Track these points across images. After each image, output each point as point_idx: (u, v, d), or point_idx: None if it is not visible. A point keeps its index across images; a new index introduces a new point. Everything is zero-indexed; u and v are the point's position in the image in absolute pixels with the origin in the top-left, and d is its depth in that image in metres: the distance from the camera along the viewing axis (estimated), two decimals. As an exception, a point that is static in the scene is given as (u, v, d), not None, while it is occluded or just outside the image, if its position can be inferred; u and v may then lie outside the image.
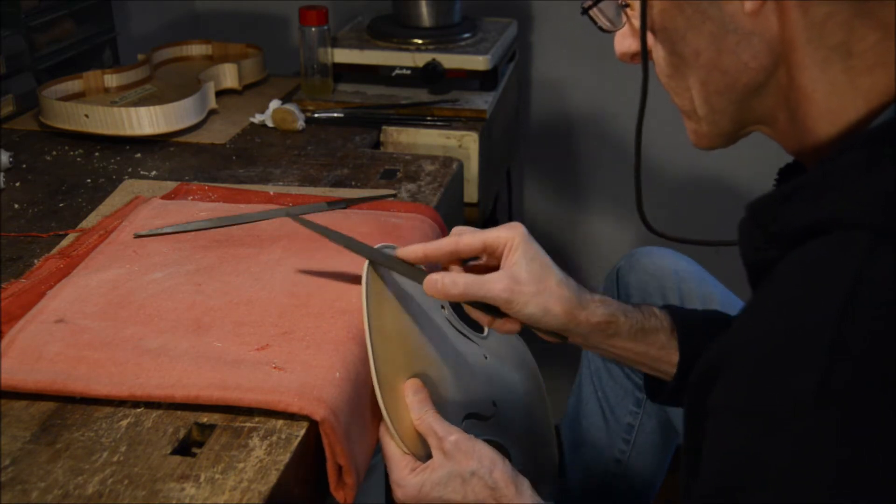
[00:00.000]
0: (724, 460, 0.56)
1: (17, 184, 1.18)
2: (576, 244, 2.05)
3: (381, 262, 0.84)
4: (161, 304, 0.86)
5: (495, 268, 0.84)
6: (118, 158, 1.26)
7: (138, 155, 1.27)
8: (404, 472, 0.80)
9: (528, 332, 0.88)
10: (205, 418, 0.73)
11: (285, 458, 0.69)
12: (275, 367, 0.76)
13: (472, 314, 0.86)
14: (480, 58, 1.49)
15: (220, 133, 1.36)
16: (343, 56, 1.52)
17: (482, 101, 1.46)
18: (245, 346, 0.80)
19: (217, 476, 0.68)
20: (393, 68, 1.51)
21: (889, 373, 0.50)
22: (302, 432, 0.72)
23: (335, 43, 1.54)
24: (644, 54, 0.70)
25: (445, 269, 0.86)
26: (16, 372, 0.76)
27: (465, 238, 0.84)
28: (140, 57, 1.57)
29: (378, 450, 0.83)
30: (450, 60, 1.49)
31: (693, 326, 0.88)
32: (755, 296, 0.61)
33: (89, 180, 1.19)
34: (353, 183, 1.18)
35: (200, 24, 2.02)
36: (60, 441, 0.71)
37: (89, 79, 1.45)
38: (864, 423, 0.50)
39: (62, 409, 0.75)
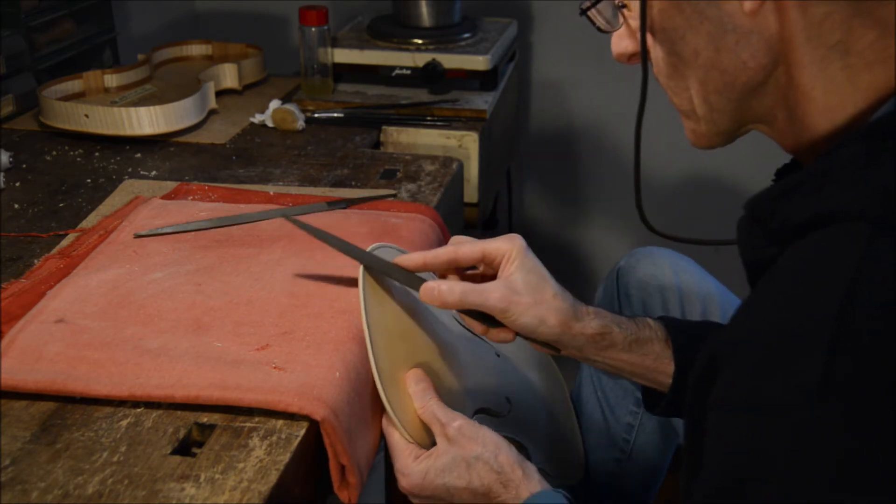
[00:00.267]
0: (727, 454, 0.56)
1: (17, 184, 1.18)
2: (576, 244, 2.06)
3: (379, 269, 0.84)
4: (161, 304, 0.86)
5: (492, 278, 0.84)
6: (118, 158, 1.26)
7: (138, 155, 1.27)
8: (408, 461, 0.80)
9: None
10: (205, 418, 0.74)
11: (285, 458, 0.69)
12: (275, 367, 0.76)
13: (466, 322, 0.86)
14: (480, 58, 1.49)
15: (220, 133, 1.36)
16: (343, 56, 1.52)
17: (482, 101, 1.46)
18: (245, 346, 0.80)
19: (217, 476, 0.68)
20: (393, 68, 1.51)
21: (891, 364, 0.50)
22: (302, 432, 0.72)
23: (335, 43, 1.54)
24: (644, 55, 0.70)
25: (443, 277, 0.86)
26: (16, 372, 0.76)
27: (464, 248, 0.84)
28: (140, 57, 1.57)
29: (381, 448, 0.83)
30: (450, 60, 1.49)
31: (687, 336, 0.89)
32: (755, 290, 0.61)
33: (89, 180, 1.19)
34: (353, 183, 1.18)
35: (200, 24, 2.02)
36: (60, 441, 0.71)
37: (89, 79, 1.45)
38: (867, 414, 0.50)
39: (62, 409, 0.75)
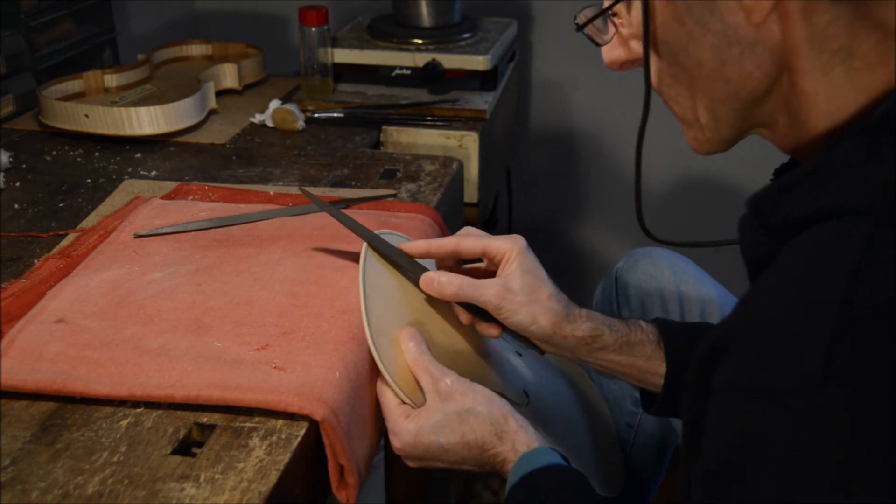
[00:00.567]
0: (727, 438, 0.56)
1: (17, 184, 1.18)
2: (575, 244, 2.06)
3: (384, 251, 0.87)
4: (161, 304, 0.86)
5: (492, 274, 0.86)
6: (118, 158, 1.26)
7: (138, 155, 1.27)
8: (399, 419, 0.80)
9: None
10: (205, 418, 0.74)
11: (285, 458, 0.70)
12: (275, 367, 0.76)
13: (456, 311, 0.88)
14: (480, 58, 1.49)
15: (220, 133, 1.36)
16: (343, 56, 1.52)
17: (482, 101, 1.46)
18: (245, 346, 0.80)
19: (217, 476, 0.68)
20: (393, 68, 1.51)
21: (892, 352, 0.50)
22: (302, 432, 0.72)
23: (335, 43, 1.54)
24: (646, 67, 0.70)
25: (442, 266, 0.88)
26: (16, 372, 0.76)
27: (467, 241, 0.86)
28: (140, 57, 1.57)
29: (381, 448, 0.83)
30: (450, 60, 1.49)
31: (680, 337, 0.90)
32: (757, 282, 0.61)
33: (89, 180, 1.19)
34: (353, 183, 1.18)
35: (200, 24, 2.02)
36: (60, 441, 0.71)
37: (89, 79, 1.45)
38: (869, 400, 0.50)
39: (62, 409, 0.75)
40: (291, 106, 1.37)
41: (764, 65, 0.63)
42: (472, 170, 1.39)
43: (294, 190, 1.15)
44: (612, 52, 0.73)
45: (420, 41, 1.54)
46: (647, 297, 1.10)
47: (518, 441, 0.79)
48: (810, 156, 0.64)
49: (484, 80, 1.51)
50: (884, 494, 0.49)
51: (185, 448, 0.71)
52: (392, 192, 1.14)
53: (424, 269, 0.87)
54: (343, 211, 1.06)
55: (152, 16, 1.85)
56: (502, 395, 0.90)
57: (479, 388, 0.82)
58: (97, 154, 1.27)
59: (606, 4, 0.72)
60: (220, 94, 1.49)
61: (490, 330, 0.87)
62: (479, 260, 0.90)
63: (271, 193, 1.13)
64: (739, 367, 0.56)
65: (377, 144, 1.40)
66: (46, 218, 1.08)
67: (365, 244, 0.86)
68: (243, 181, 1.19)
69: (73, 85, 1.43)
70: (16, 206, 1.11)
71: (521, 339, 0.87)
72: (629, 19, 0.70)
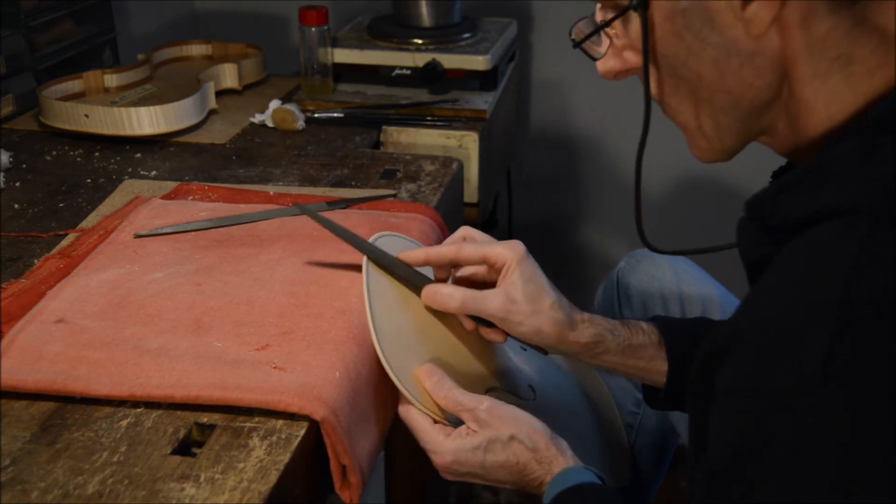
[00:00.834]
0: (730, 439, 0.56)
1: (17, 184, 1.18)
2: (575, 245, 2.06)
3: (383, 264, 0.86)
4: (161, 304, 0.86)
5: (492, 280, 0.86)
6: (118, 158, 1.26)
7: (138, 155, 1.27)
8: (439, 438, 0.81)
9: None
10: (205, 418, 0.74)
11: (285, 458, 0.69)
12: (275, 367, 0.76)
13: (460, 318, 0.88)
14: (480, 58, 1.49)
15: (220, 133, 1.36)
16: (343, 56, 1.52)
17: (482, 101, 1.46)
18: (245, 346, 0.80)
19: (217, 476, 0.68)
20: (393, 68, 1.51)
21: (891, 350, 0.50)
22: (302, 432, 0.72)
23: (335, 43, 1.54)
24: (646, 85, 0.70)
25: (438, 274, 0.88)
26: (16, 372, 0.76)
27: (466, 250, 0.86)
28: (140, 57, 1.57)
29: (381, 448, 0.83)
30: (450, 60, 1.49)
31: (680, 335, 0.90)
32: (757, 283, 0.61)
33: (89, 180, 1.19)
34: (353, 183, 1.18)
35: (200, 24, 2.02)
36: (60, 441, 0.71)
37: (89, 79, 1.45)
38: (868, 400, 0.50)
39: (62, 409, 0.75)
40: (291, 106, 1.37)
41: (764, 75, 0.63)
42: (472, 170, 1.39)
43: (294, 190, 1.15)
44: (606, 63, 0.74)
45: (420, 41, 1.54)
46: (648, 297, 1.10)
47: (555, 464, 0.80)
48: (808, 158, 0.64)
49: (484, 80, 1.51)
50: (884, 494, 0.50)
51: (185, 448, 0.71)
52: (392, 192, 1.14)
53: (425, 278, 0.87)
54: (343, 211, 1.07)
55: (152, 16, 1.85)
56: (508, 391, 0.90)
57: (518, 412, 0.82)
58: (97, 154, 1.27)
59: (599, 15, 0.72)
60: (220, 94, 1.49)
61: (494, 336, 0.87)
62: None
63: (271, 193, 1.13)
64: (740, 368, 0.57)
65: (377, 144, 1.40)
66: (46, 218, 1.08)
67: (365, 258, 0.86)
68: (243, 181, 1.19)
69: (73, 85, 1.43)
70: (16, 206, 1.11)
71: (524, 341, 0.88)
72: (623, 30, 0.70)
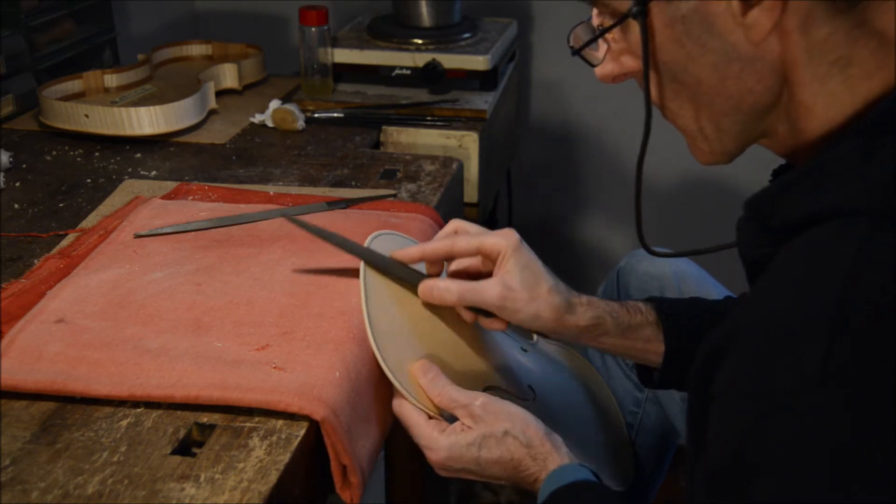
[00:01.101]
0: (729, 440, 0.56)
1: (17, 184, 1.18)
2: (575, 244, 2.06)
3: (378, 265, 0.86)
4: (161, 304, 0.86)
5: (488, 271, 0.87)
6: (118, 158, 1.26)
7: (138, 155, 1.27)
8: (434, 433, 0.81)
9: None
10: (205, 418, 0.74)
11: (285, 458, 0.70)
12: (275, 367, 0.76)
13: (459, 311, 0.88)
14: (480, 58, 1.49)
15: (220, 133, 1.36)
16: (343, 56, 1.52)
17: (482, 101, 1.46)
18: (245, 346, 0.80)
19: (217, 476, 0.68)
20: (393, 68, 1.51)
21: (889, 350, 0.50)
22: (302, 432, 0.72)
23: (335, 43, 1.54)
24: (647, 90, 0.70)
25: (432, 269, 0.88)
26: (16, 372, 0.76)
27: (461, 243, 0.86)
28: (140, 57, 1.57)
29: (381, 448, 0.83)
30: (450, 60, 1.49)
31: (677, 316, 0.91)
32: (756, 284, 0.61)
33: (89, 180, 1.19)
34: (353, 183, 1.18)
35: (200, 24, 2.02)
36: (60, 441, 0.71)
37: (89, 79, 1.45)
38: (867, 399, 0.51)
39: (62, 409, 0.75)
40: (291, 106, 1.37)
41: (764, 79, 0.63)
42: (472, 170, 1.39)
43: (294, 190, 1.15)
44: (604, 67, 0.74)
45: (420, 41, 1.54)
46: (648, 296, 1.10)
47: (550, 461, 0.80)
48: (807, 159, 0.64)
49: (484, 80, 1.51)
50: (883, 493, 0.50)
51: (185, 448, 0.71)
52: (392, 192, 1.14)
53: (421, 275, 0.87)
54: (343, 211, 1.07)
55: (152, 16, 1.85)
56: (507, 390, 0.90)
57: (513, 407, 0.82)
58: (97, 154, 1.27)
59: (596, 20, 0.72)
60: (220, 94, 1.49)
61: (495, 325, 0.87)
62: None
63: (271, 193, 1.13)
64: (739, 369, 0.57)
65: (377, 144, 1.40)
66: (46, 218, 1.08)
67: (362, 263, 0.85)
68: (243, 181, 1.19)
69: (73, 85, 1.43)
70: (16, 206, 1.11)
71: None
72: (621, 35, 0.70)
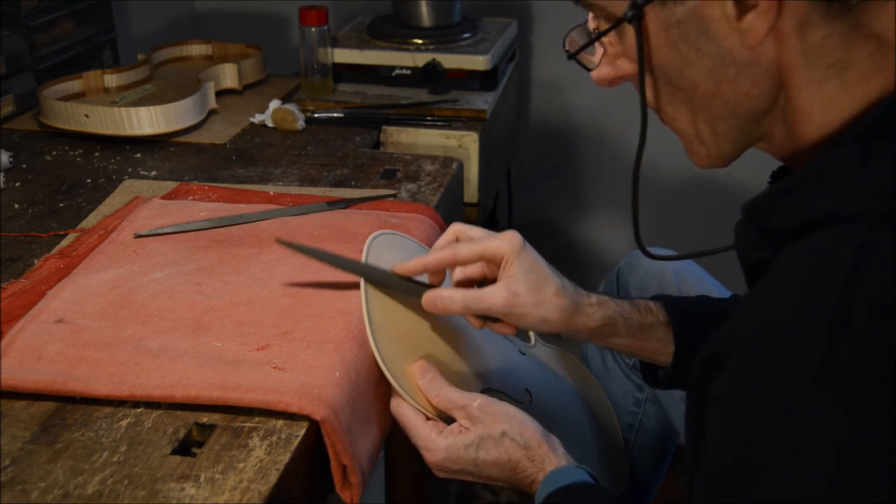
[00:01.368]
0: (728, 445, 0.56)
1: (17, 184, 1.18)
2: (576, 244, 2.06)
3: (378, 282, 0.85)
4: (161, 304, 0.86)
5: (494, 276, 0.86)
6: (118, 158, 1.26)
7: (138, 155, 1.27)
8: (432, 435, 0.81)
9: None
10: (205, 418, 0.74)
11: (285, 458, 0.70)
12: (275, 367, 0.76)
13: (467, 319, 0.87)
14: (480, 58, 1.49)
15: (220, 133, 1.36)
16: (343, 56, 1.52)
17: (482, 101, 1.46)
18: (245, 346, 0.80)
19: (217, 476, 0.68)
20: (393, 68, 1.51)
21: (888, 355, 0.50)
22: (302, 432, 0.72)
23: (335, 43, 1.54)
24: (642, 94, 0.70)
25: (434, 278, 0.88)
26: (16, 372, 0.76)
27: (463, 250, 0.84)
28: (140, 57, 1.57)
29: (381, 448, 0.83)
30: (450, 60, 1.49)
31: (687, 317, 0.91)
32: (754, 288, 0.61)
33: (89, 180, 1.19)
34: (353, 183, 1.18)
35: (200, 24, 2.02)
36: (60, 441, 0.71)
37: (89, 79, 1.45)
38: (865, 404, 0.51)
39: (62, 409, 0.75)
40: (291, 106, 1.37)
41: (761, 83, 0.63)
42: (472, 170, 1.39)
43: (294, 190, 1.15)
44: (600, 70, 0.74)
45: (420, 41, 1.54)
46: (648, 296, 1.10)
47: (547, 462, 0.80)
48: (805, 163, 0.64)
49: (484, 80, 1.51)
50: (883, 495, 0.50)
51: (185, 448, 0.71)
52: (392, 192, 1.14)
53: (424, 286, 0.85)
54: (343, 211, 1.07)
55: (152, 16, 1.85)
56: (504, 393, 0.90)
57: (510, 408, 0.82)
58: (97, 154, 1.27)
59: (591, 24, 0.72)
60: (220, 94, 1.49)
61: (504, 329, 0.86)
62: None
63: (271, 193, 1.13)
64: (738, 374, 0.57)
65: (377, 144, 1.40)
66: (46, 218, 1.08)
67: (362, 280, 0.84)
68: (243, 181, 1.19)
69: (73, 85, 1.43)
70: (16, 206, 1.11)
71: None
72: (617, 39, 0.70)
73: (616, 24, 0.68)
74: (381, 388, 0.83)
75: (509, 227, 1.94)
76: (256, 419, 0.73)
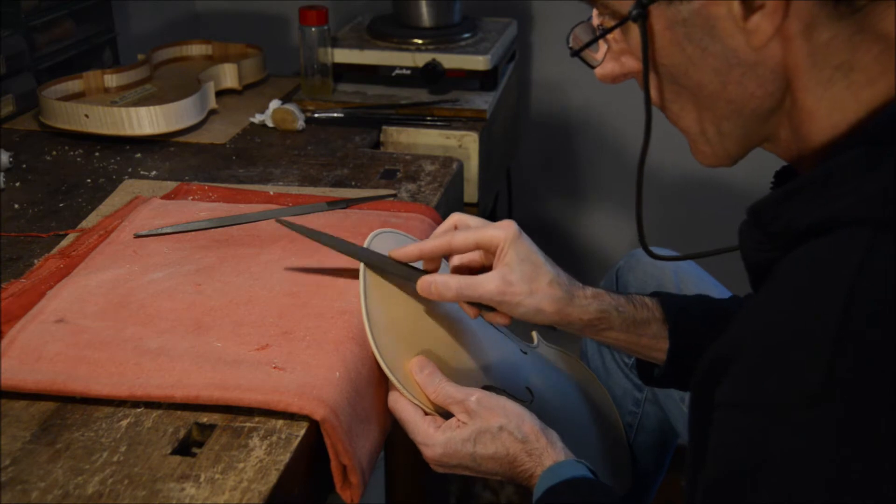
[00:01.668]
0: (729, 451, 0.56)
1: (17, 184, 1.18)
2: (576, 244, 2.06)
3: (375, 264, 0.86)
4: (161, 304, 0.86)
5: (490, 265, 0.86)
6: (118, 158, 1.26)
7: (138, 155, 1.27)
8: (430, 430, 0.81)
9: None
10: (205, 418, 0.74)
11: (285, 458, 0.70)
12: (275, 367, 0.76)
13: (462, 307, 0.88)
14: (480, 58, 1.49)
15: (220, 133, 1.36)
16: (343, 56, 1.52)
17: (482, 101, 1.46)
18: (245, 346, 0.80)
19: (217, 476, 0.68)
20: (393, 68, 1.51)
21: (892, 365, 0.50)
22: (302, 432, 0.72)
23: (335, 43, 1.54)
24: (647, 93, 0.70)
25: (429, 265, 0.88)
26: (16, 372, 0.76)
27: (459, 238, 0.85)
28: (140, 57, 1.57)
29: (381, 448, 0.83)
30: (450, 60, 1.49)
31: (683, 314, 0.90)
32: (759, 293, 0.61)
33: (89, 180, 1.19)
34: (353, 183, 1.18)
35: (200, 24, 2.02)
36: (60, 441, 0.71)
37: (89, 79, 1.45)
38: (870, 412, 0.50)
39: (62, 409, 0.75)
40: (291, 106, 1.37)
41: (766, 84, 0.63)
42: (472, 170, 1.39)
43: (294, 190, 1.15)
44: (604, 67, 0.73)
45: (420, 41, 1.54)
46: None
47: (545, 456, 0.80)
48: (811, 165, 0.64)
49: (484, 80, 1.51)
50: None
51: (185, 448, 0.71)
52: (392, 192, 1.14)
53: (420, 272, 0.86)
54: (343, 211, 1.07)
55: (152, 16, 1.85)
56: (504, 391, 0.90)
57: (508, 402, 0.82)
58: (97, 154, 1.27)
59: (596, 20, 0.72)
60: (220, 94, 1.49)
61: (498, 319, 0.86)
62: None
63: (271, 193, 1.13)
64: (741, 381, 0.57)
65: (377, 144, 1.40)
66: (46, 218, 1.08)
67: (362, 265, 0.85)
68: (243, 181, 1.19)
69: (73, 85, 1.43)
70: (16, 206, 1.11)
71: None
72: (621, 36, 0.70)
73: (621, 22, 0.68)
74: (382, 388, 0.83)
75: (509, 227, 1.94)
76: (256, 419, 0.73)
